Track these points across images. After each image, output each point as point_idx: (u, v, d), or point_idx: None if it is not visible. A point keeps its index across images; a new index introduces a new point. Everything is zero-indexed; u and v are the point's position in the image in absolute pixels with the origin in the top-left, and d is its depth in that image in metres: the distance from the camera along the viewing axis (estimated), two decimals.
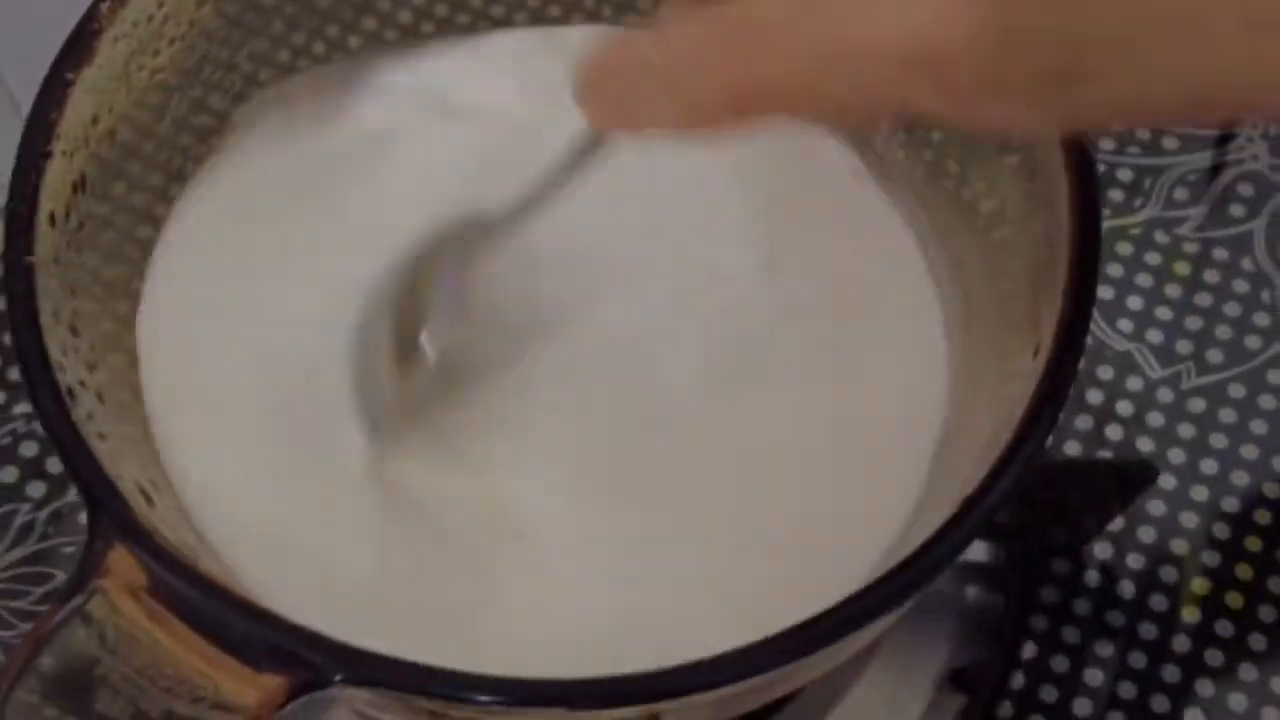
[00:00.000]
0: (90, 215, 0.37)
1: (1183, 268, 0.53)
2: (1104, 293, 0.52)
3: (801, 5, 0.26)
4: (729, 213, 0.43)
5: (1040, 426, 0.32)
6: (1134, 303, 0.52)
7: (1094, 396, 0.50)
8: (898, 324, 0.41)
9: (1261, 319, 0.52)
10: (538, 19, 0.47)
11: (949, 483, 0.36)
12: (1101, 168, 0.54)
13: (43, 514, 0.48)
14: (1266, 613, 0.47)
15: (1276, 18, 0.23)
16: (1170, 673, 0.46)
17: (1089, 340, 0.51)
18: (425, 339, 0.37)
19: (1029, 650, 0.47)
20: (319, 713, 0.43)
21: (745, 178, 0.43)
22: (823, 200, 0.43)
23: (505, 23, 0.47)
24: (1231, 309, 0.52)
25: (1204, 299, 0.52)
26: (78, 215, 0.36)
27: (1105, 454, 0.50)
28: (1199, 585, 0.48)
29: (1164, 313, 0.52)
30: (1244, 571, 0.48)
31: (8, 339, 0.50)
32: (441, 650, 0.30)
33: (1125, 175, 0.54)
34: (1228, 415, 0.50)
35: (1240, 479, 0.49)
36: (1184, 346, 0.51)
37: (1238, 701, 0.46)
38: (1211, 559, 0.48)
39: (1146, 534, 0.48)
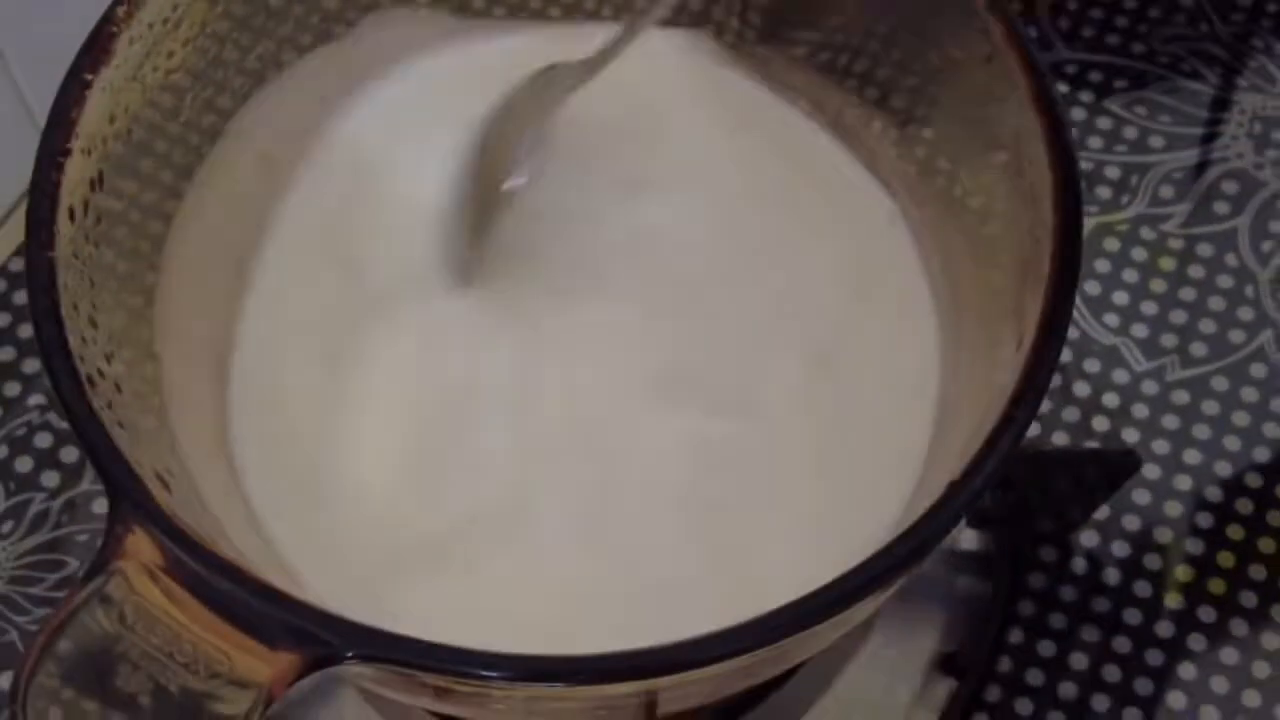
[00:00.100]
0: (106, 211, 0.38)
1: (1168, 263, 0.54)
2: (1091, 288, 0.53)
3: None
4: (726, 205, 0.44)
5: (1022, 414, 0.33)
6: (1120, 298, 0.53)
7: (1081, 389, 0.51)
8: (893, 315, 0.42)
9: (1245, 313, 0.53)
10: (538, 16, 0.47)
11: (942, 470, 0.37)
12: (1089, 165, 0.55)
13: (57, 503, 0.49)
14: (1247, 599, 0.48)
15: None
16: (1154, 656, 0.47)
17: (1076, 334, 0.52)
18: (509, 186, 0.40)
19: (1016, 635, 0.48)
20: (328, 688, 0.45)
21: (743, 171, 0.44)
22: (816, 193, 0.44)
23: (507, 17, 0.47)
24: (1215, 304, 0.53)
25: (1188, 294, 0.53)
26: (95, 211, 0.37)
27: (1092, 444, 0.51)
28: (1182, 572, 0.49)
29: (1149, 307, 0.53)
30: (1226, 559, 0.49)
31: (21, 332, 0.52)
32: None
33: (1113, 173, 0.55)
34: (1211, 407, 0.51)
35: (1223, 469, 0.50)
36: (1169, 340, 0.52)
37: (1220, 684, 0.47)
38: (1195, 546, 0.49)
39: (1131, 522, 0.49)
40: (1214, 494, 0.50)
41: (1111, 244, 0.54)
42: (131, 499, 0.32)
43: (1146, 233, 0.54)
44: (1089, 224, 0.54)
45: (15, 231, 0.54)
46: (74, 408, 0.33)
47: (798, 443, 0.40)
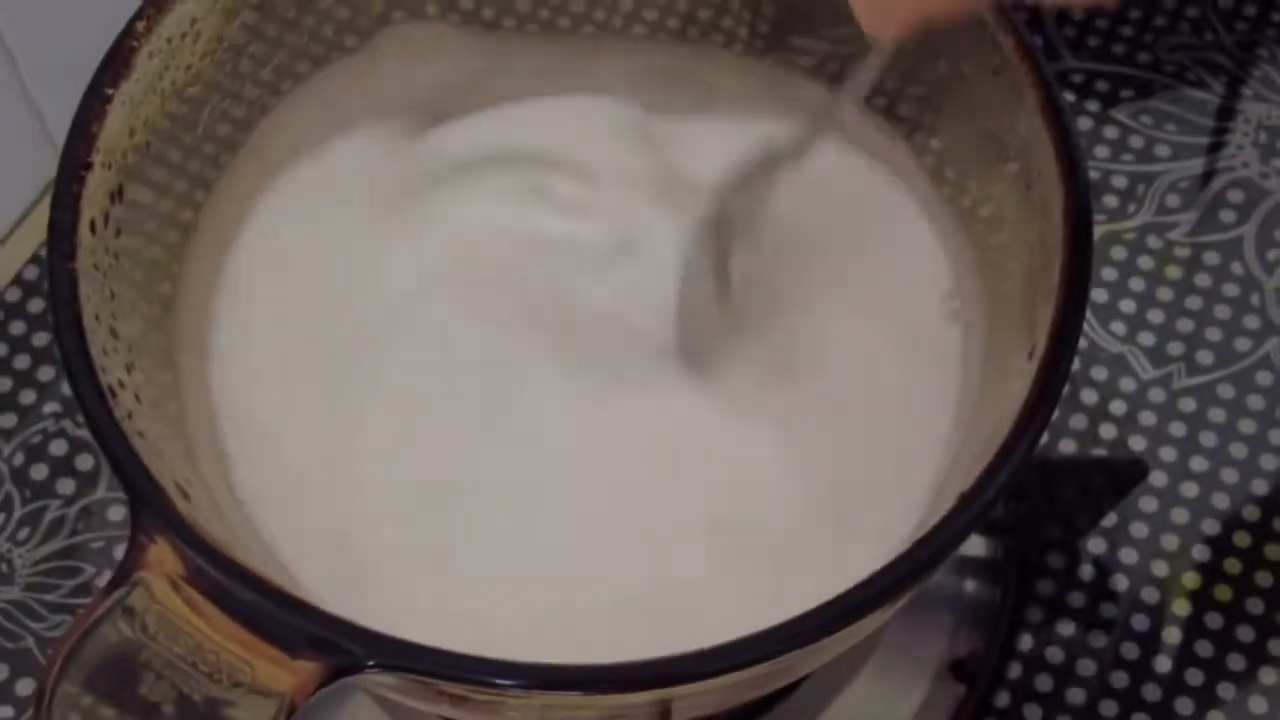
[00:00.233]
0: (125, 223, 0.39)
1: (1174, 272, 0.54)
2: (1098, 296, 0.53)
3: None
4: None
5: (1034, 424, 0.33)
6: (1127, 306, 0.53)
7: (1088, 396, 0.52)
8: (914, 325, 0.43)
9: (1251, 321, 0.53)
10: (547, 28, 0.48)
11: (956, 480, 0.37)
12: (1096, 175, 0.55)
13: (72, 510, 0.50)
14: (1254, 605, 0.48)
15: None
16: (1161, 663, 0.48)
17: (1084, 342, 0.52)
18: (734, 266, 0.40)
19: (1025, 641, 0.48)
20: (344, 695, 0.45)
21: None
22: (842, 203, 0.44)
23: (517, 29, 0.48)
24: (1221, 312, 0.53)
25: (1195, 302, 0.53)
26: (115, 223, 0.38)
27: (1099, 452, 0.51)
28: (1189, 579, 0.49)
29: (1156, 315, 0.53)
30: (1233, 565, 0.49)
31: (36, 340, 0.52)
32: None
33: (1119, 182, 0.56)
34: (1217, 415, 0.51)
35: (1229, 476, 0.50)
36: (1175, 348, 0.53)
37: (1226, 690, 0.47)
38: (1202, 553, 0.49)
39: (1139, 529, 0.50)
40: (1221, 501, 0.50)
41: (1118, 252, 0.54)
42: (153, 508, 0.32)
43: (1153, 241, 0.55)
44: (1095, 233, 0.54)
45: (27, 240, 0.55)
46: (96, 418, 0.33)
47: (817, 454, 0.41)
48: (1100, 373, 0.52)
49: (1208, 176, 0.56)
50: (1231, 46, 0.58)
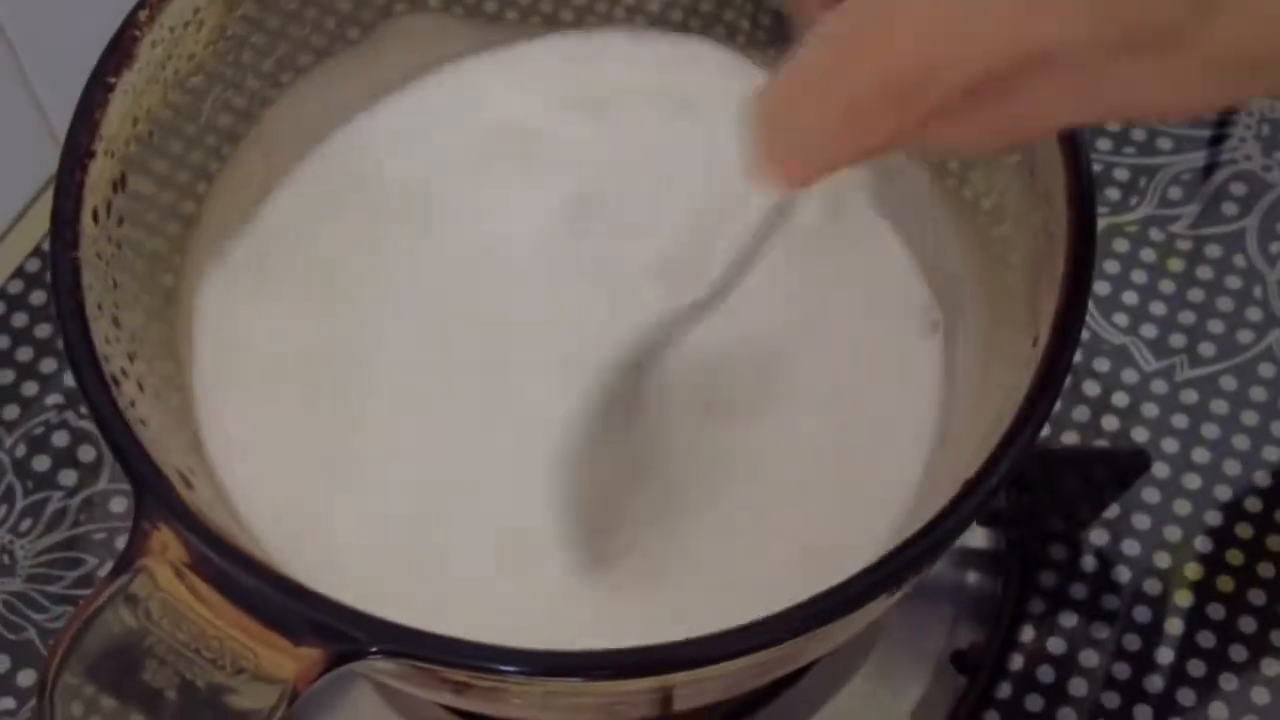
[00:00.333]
0: (127, 212, 0.39)
1: (1177, 264, 0.54)
2: (1100, 288, 0.53)
3: None
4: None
5: (1039, 410, 0.33)
6: (1129, 298, 0.53)
7: (1091, 388, 0.52)
8: (891, 320, 0.42)
9: (1253, 314, 0.53)
10: (550, 21, 0.48)
11: (951, 471, 0.37)
12: (1099, 167, 0.56)
13: (74, 501, 0.50)
14: (1256, 596, 0.48)
15: None
16: (1163, 654, 0.48)
17: (1086, 334, 0.52)
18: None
19: (1027, 633, 0.48)
20: (346, 686, 0.45)
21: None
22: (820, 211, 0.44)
23: (520, 21, 0.48)
24: (1224, 304, 0.53)
25: (1197, 294, 0.53)
26: (117, 212, 0.38)
27: (1101, 443, 0.51)
28: (1192, 570, 0.49)
29: (1158, 308, 0.53)
30: (1235, 557, 0.49)
31: (38, 332, 0.52)
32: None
33: (1122, 174, 0.56)
34: (1220, 406, 0.51)
35: (1232, 468, 0.51)
36: (1178, 340, 0.53)
37: (1229, 681, 0.47)
38: (1204, 545, 0.49)
39: (1141, 521, 0.50)
40: (1223, 492, 0.50)
41: (1121, 245, 0.54)
42: (156, 495, 0.32)
43: (1155, 234, 0.55)
44: (1098, 224, 0.54)
45: (29, 232, 0.55)
46: (100, 406, 0.33)
47: (809, 445, 0.41)
48: (1103, 365, 0.52)
49: (1210, 169, 0.56)
50: None
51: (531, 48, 0.47)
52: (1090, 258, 0.36)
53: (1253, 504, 0.50)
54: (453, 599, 0.37)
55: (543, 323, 0.42)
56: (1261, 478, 0.50)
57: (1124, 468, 0.50)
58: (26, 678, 0.47)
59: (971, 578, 0.49)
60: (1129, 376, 0.52)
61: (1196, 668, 0.48)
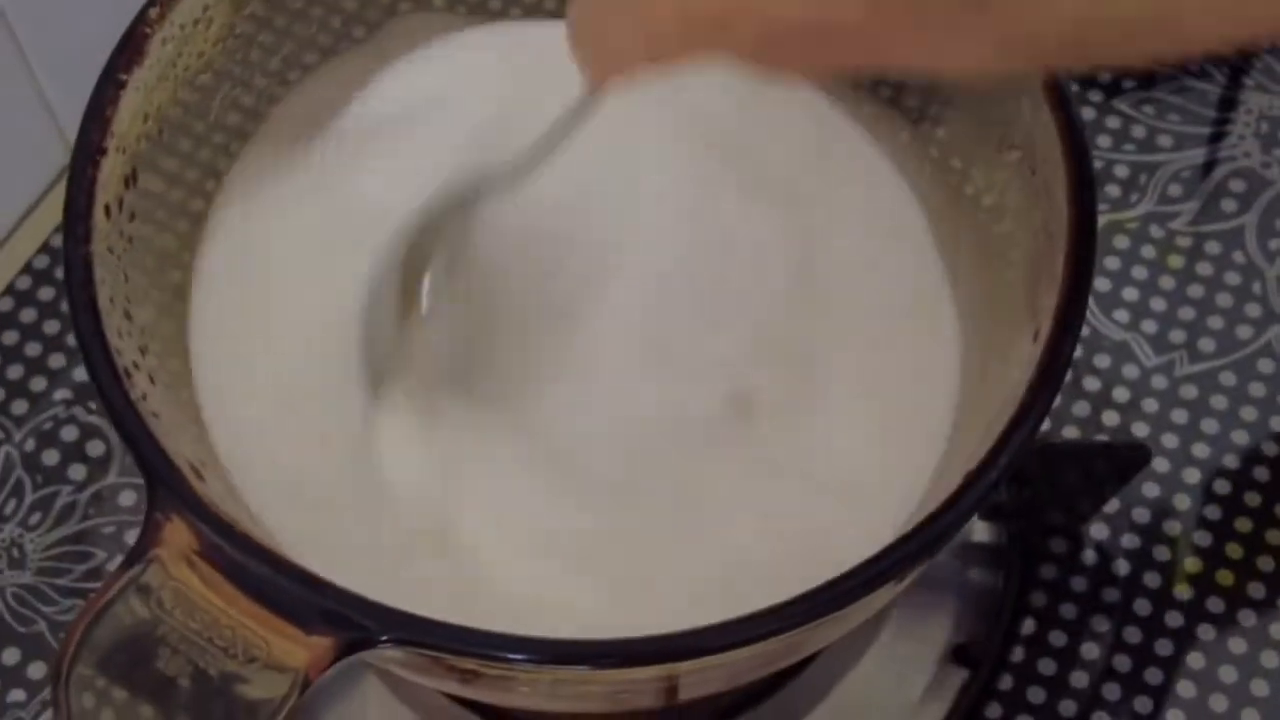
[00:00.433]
0: (138, 208, 0.39)
1: (1176, 261, 0.54)
2: (1101, 285, 0.54)
3: None
4: (755, 204, 0.44)
5: (1040, 403, 0.34)
6: (1130, 294, 0.54)
7: (1091, 383, 0.52)
8: (914, 310, 0.43)
9: (1252, 309, 0.53)
10: (554, 18, 0.48)
11: (960, 463, 0.37)
12: (1099, 164, 0.56)
13: (83, 496, 0.50)
14: (1255, 590, 0.49)
15: None
16: (1163, 646, 0.48)
17: (1087, 330, 0.53)
18: (425, 290, 0.40)
19: (1028, 626, 0.48)
20: (353, 680, 0.45)
21: (767, 165, 0.44)
22: (844, 189, 0.45)
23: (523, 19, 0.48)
24: (1223, 300, 0.54)
25: (1197, 291, 0.54)
26: (128, 208, 0.38)
27: (1102, 438, 0.51)
28: (1191, 563, 0.49)
29: (1158, 304, 0.54)
30: (1234, 550, 0.49)
31: (46, 328, 0.52)
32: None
33: (1122, 172, 0.56)
34: (1219, 401, 0.52)
35: (1231, 462, 0.51)
36: (1177, 336, 0.53)
37: (1228, 673, 0.48)
38: (1203, 538, 0.50)
39: (1141, 514, 0.50)
40: (1222, 487, 0.50)
41: (1121, 241, 0.55)
42: (168, 486, 0.33)
43: (1155, 230, 0.55)
44: (1098, 222, 0.54)
45: (37, 230, 0.55)
46: (112, 398, 0.34)
47: (819, 444, 0.41)
48: (1103, 360, 0.53)
49: (1209, 166, 0.56)
50: None
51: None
52: (1091, 254, 0.36)
53: (1252, 498, 0.50)
54: (464, 590, 0.38)
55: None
56: (1260, 472, 0.51)
57: (1124, 462, 0.50)
58: (37, 670, 0.48)
59: (973, 572, 0.49)
60: (1129, 372, 0.52)
61: (1196, 660, 0.48)
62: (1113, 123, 0.57)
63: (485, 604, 0.37)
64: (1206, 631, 0.48)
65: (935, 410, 0.41)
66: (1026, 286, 0.39)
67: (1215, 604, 0.49)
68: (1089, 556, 0.49)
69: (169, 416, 0.37)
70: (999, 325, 0.40)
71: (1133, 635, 0.48)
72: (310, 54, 0.45)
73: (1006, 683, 0.48)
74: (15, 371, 0.52)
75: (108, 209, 0.37)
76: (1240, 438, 0.51)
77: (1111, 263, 0.54)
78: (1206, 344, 0.53)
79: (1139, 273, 0.54)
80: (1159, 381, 0.52)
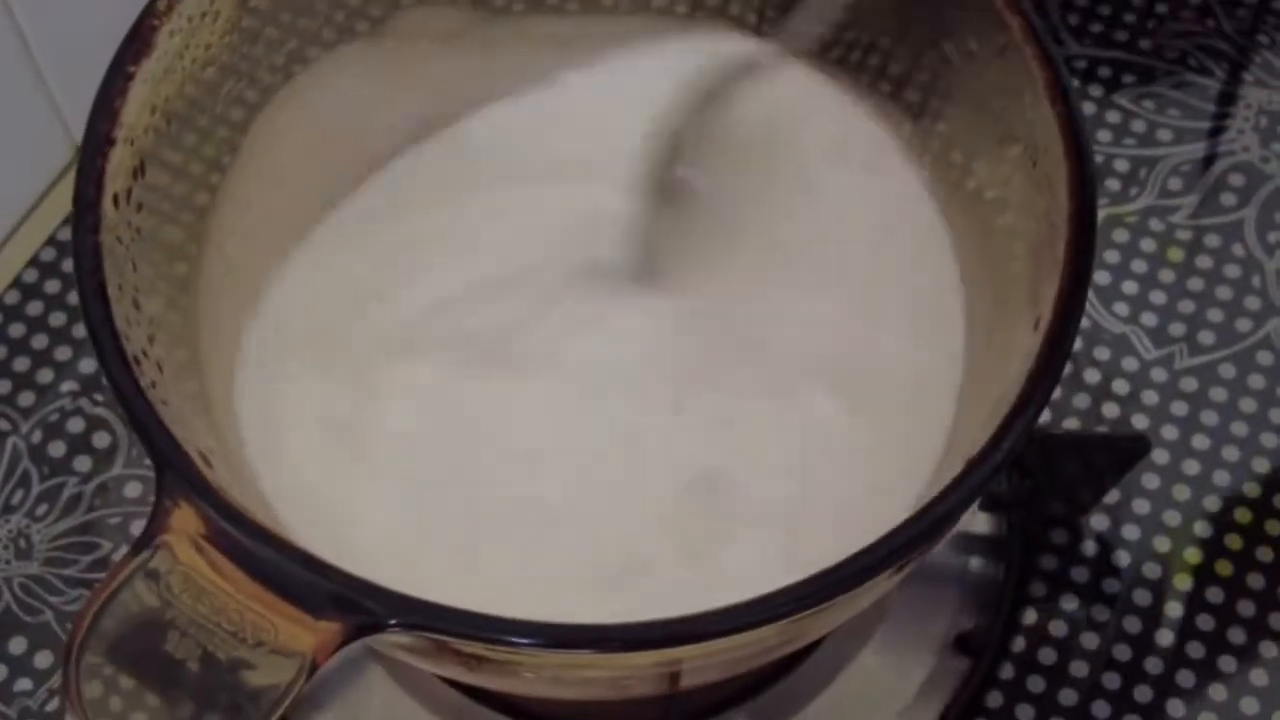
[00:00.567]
0: (145, 200, 0.39)
1: (1176, 254, 0.55)
2: (1101, 277, 0.54)
3: None
4: (765, 192, 0.44)
5: (1040, 391, 0.34)
6: (1130, 287, 0.54)
7: (1091, 376, 0.52)
8: (921, 301, 0.43)
9: (1251, 302, 0.54)
10: (559, 11, 0.48)
11: (961, 452, 0.38)
12: (1099, 159, 0.56)
13: (90, 486, 0.50)
14: (1255, 580, 0.49)
15: None
16: (1163, 636, 0.48)
17: (1087, 323, 0.53)
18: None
19: (1029, 616, 0.49)
20: (362, 668, 0.46)
21: (783, 155, 0.45)
22: (857, 182, 0.45)
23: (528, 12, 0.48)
24: (1223, 293, 0.54)
25: (1196, 284, 0.54)
26: (136, 199, 0.38)
27: (1102, 430, 0.52)
28: (1191, 554, 0.50)
29: (1158, 296, 0.54)
30: (1233, 541, 0.50)
31: (53, 320, 0.53)
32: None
33: (1122, 166, 0.56)
34: (1219, 394, 0.52)
35: (1230, 454, 0.51)
36: (1177, 329, 0.53)
37: (1228, 663, 0.48)
38: (1203, 529, 0.50)
39: (1141, 506, 0.50)
40: (1221, 478, 0.51)
41: (1121, 235, 0.55)
42: (177, 470, 0.33)
43: (1155, 224, 0.55)
44: (1099, 215, 0.55)
45: (43, 223, 0.55)
46: (122, 384, 0.34)
47: (823, 429, 0.41)
48: (1103, 353, 0.53)
49: (1209, 160, 0.56)
50: (1232, 33, 0.59)
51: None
52: (1090, 246, 0.36)
53: (1251, 489, 0.51)
54: (472, 576, 0.38)
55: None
56: (1260, 464, 0.51)
57: (1124, 453, 0.50)
58: (44, 659, 0.48)
59: (974, 562, 0.49)
60: (1129, 364, 0.53)
61: (1196, 650, 0.48)
62: (1113, 117, 0.57)
63: (490, 594, 0.38)
64: (1206, 621, 0.48)
65: (936, 406, 0.41)
66: (1028, 278, 0.39)
67: (1215, 594, 0.49)
68: (1089, 547, 0.50)
69: (176, 405, 0.37)
70: (1001, 315, 0.40)
71: (1133, 625, 0.48)
72: (313, 49, 0.46)
73: (1008, 672, 0.48)
74: (22, 364, 0.52)
75: (116, 200, 0.37)
76: (1239, 429, 0.51)
77: (1111, 256, 0.54)
78: (1206, 337, 0.53)
79: (1139, 266, 0.54)
80: (1159, 374, 0.52)
